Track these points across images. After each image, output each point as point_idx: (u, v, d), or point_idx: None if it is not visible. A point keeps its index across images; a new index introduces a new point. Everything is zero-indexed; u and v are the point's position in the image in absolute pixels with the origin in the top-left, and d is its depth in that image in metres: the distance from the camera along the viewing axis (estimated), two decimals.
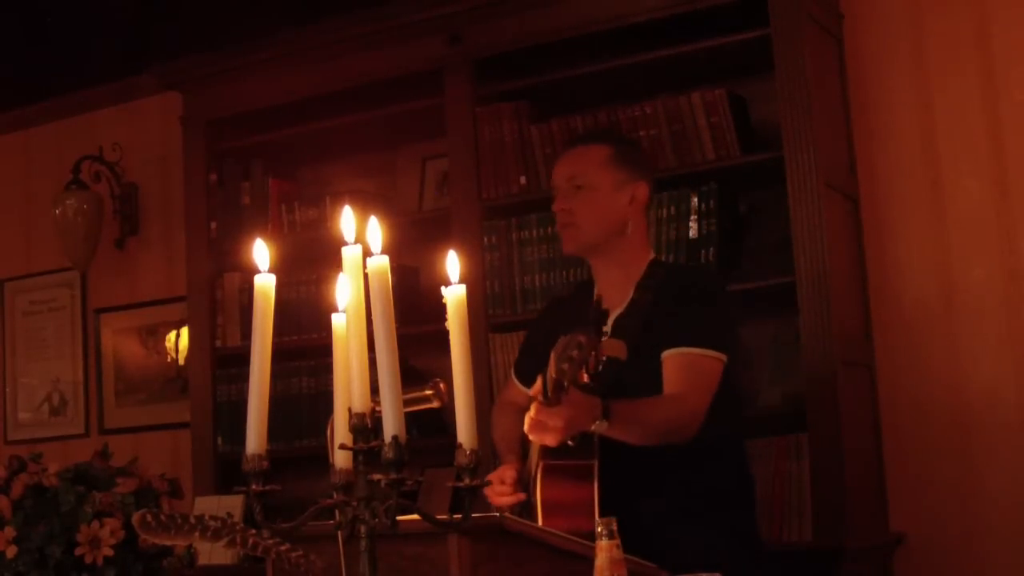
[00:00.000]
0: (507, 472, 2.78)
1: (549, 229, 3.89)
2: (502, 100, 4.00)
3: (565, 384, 2.39)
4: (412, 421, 1.86)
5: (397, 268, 3.74)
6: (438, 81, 4.08)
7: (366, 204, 3.98)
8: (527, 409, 2.49)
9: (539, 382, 2.46)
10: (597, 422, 2.50)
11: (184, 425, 4.64)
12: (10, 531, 2.31)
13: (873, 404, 3.66)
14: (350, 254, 1.71)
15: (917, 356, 3.66)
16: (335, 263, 1.73)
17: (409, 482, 1.68)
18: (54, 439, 5.12)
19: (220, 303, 4.52)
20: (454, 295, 1.77)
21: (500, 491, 2.75)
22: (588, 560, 1.97)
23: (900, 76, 3.75)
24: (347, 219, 1.73)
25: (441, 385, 2.48)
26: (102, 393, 5.15)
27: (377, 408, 1.68)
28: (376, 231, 1.71)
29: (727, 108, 3.68)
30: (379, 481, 1.68)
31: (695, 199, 3.68)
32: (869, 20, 3.80)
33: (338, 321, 1.78)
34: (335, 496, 1.75)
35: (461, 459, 1.71)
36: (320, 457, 2.05)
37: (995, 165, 3.62)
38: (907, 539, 3.60)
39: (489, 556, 2.12)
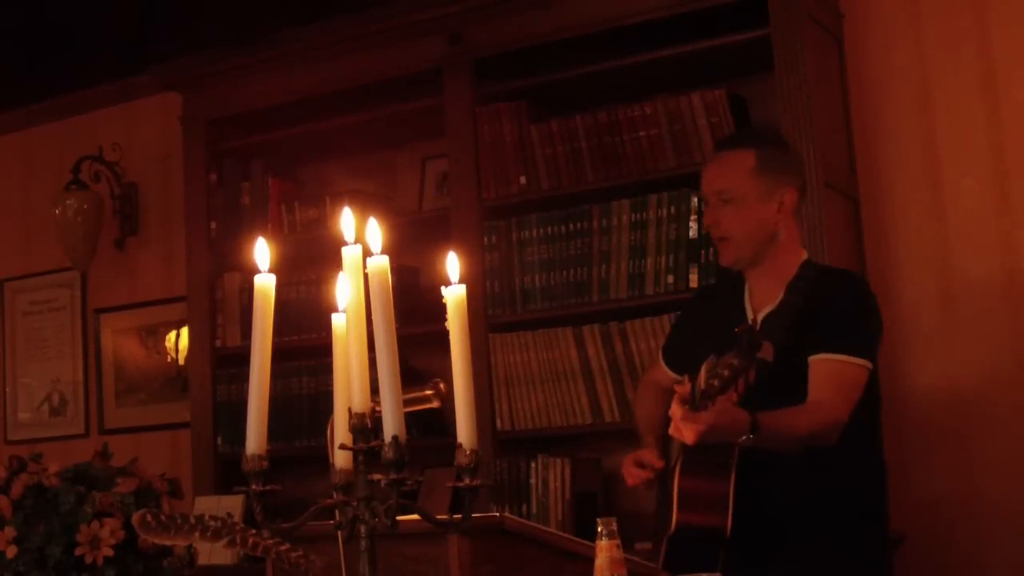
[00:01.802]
0: (650, 456, 2.80)
1: (549, 229, 3.90)
2: (502, 100, 4.00)
3: (713, 396, 2.41)
4: (412, 421, 1.85)
5: (397, 268, 3.74)
6: (438, 81, 4.08)
7: (366, 204, 3.99)
8: (671, 391, 2.52)
9: (687, 384, 2.48)
10: (745, 436, 2.50)
11: (184, 425, 4.64)
12: (10, 531, 2.31)
13: None
14: (350, 254, 1.71)
15: (917, 355, 3.66)
16: (335, 263, 1.73)
17: (409, 482, 1.68)
18: (54, 439, 5.13)
19: (220, 303, 4.52)
20: (454, 295, 1.77)
21: (636, 473, 2.79)
22: (588, 560, 1.97)
23: (900, 76, 3.75)
24: (347, 219, 1.73)
25: (441, 385, 2.48)
26: (102, 393, 5.15)
27: (377, 408, 1.68)
28: (376, 231, 1.71)
29: (727, 108, 3.68)
30: (379, 481, 1.68)
31: (695, 199, 3.67)
32: (869, 20, 3.81)
33: (338, 321, 1.78)
34: (335, 496, 1.75)
35: (461, 459, 1.71)
36: (320, 457, 2.05)
37: (995, 165, 3.62)
38: (907, 539, 3.60)
39: (489, 556, 2.12)
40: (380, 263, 1.70)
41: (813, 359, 2.72)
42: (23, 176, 5.45)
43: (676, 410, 2.45)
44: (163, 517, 1.69)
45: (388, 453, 1.65)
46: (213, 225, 4.54)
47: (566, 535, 2.29)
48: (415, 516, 1.82)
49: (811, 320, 2.76)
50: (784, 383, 2.70)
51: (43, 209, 5.09)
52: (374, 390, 1.69)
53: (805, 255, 2.93)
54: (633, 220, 3.78)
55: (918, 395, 3.66)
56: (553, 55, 3.91)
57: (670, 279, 3.70)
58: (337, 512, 1.75)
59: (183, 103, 4.63)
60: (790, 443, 2.62)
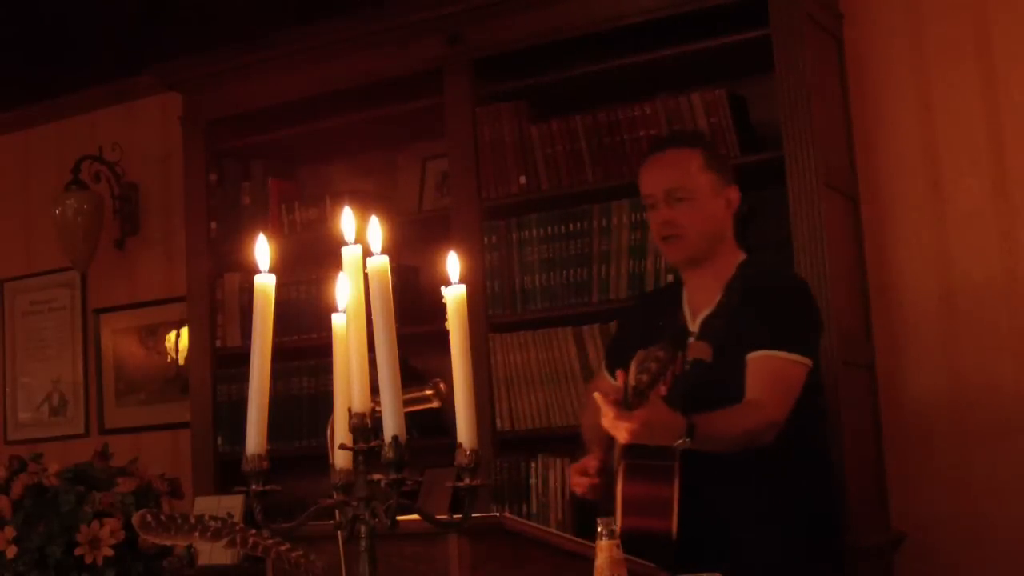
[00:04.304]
0: (591, 462, 2.78)
1: (549, 229, 3.90)
2: (502, 100, 4.00)
3: (644, 392, 2.41)
4: (412, 421, 1.85)
5: (397, 268, 3.74)
6: (438, 81, 4.08)
7: (366, 204, 3.98)
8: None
9: (621, 382, 2.49)
10: (681, 439, 2.50)
11: (184, 425, 4.64)
12: (10, 531, 2.31)
13: (873, 404, 3.66)
14: (350, 254, 1.71)
15: (917, 356, 3.66)
16: (335, 263, 1.73)
17: (409, 482, 1.68)
18: (54, 439, 5.13)
19: (220, 303, 4.52)
20: (454, 295, 1.77)
21: (581, 481, 2.77)
22: (588, 560, 1.97)
23: (900, 76, 3.75)
24: (347, 219, 1.73)
25: (441, 385, 2.48)
26: (102, 393, 5.15)
27: (377, 408, 1.68)
28: (376, 231, 1.71)
29: (727, 108, 3.68)
30: (379, 481, 1.68)
31: None
32: (869, 20, 3.81)
33: (338, 321, 1.78)
34: (335, 496, 1.75)
35: (461, 459, 1.71)
36: (320, 457, 2.05)
37: (995, 165, 3.62)
38: (907, 539, 3.60)
39: (489, 556, 2.12)
40: (380, 263, 1.70)
41: (751, 356, 2.70)
42: (23, 176, 5.45)
43: (608, 410, 2.44)
44: (163, 517, 1.69)
45: (388, 453, 1.65)
46: (213, 225, 4.54)
47: (566, 535, 2.29)
48: (415, 516, 1.82)
49: (749, 318, 2.75)
50: (723, 383, 2.69)
51: (43, 209, 5.09)
52: (374, 390, 1.69)
53: (743, 256, 2.94)
54: (633, 220, 3.78)
55: (918, 395, 3.65)
56: (553, 55, 3.91)
57: (670, 279, 3.69)
58: (337, 512, 1.75)
59: (183, 103, 4.63)
60: (726, 444, 2.60)
